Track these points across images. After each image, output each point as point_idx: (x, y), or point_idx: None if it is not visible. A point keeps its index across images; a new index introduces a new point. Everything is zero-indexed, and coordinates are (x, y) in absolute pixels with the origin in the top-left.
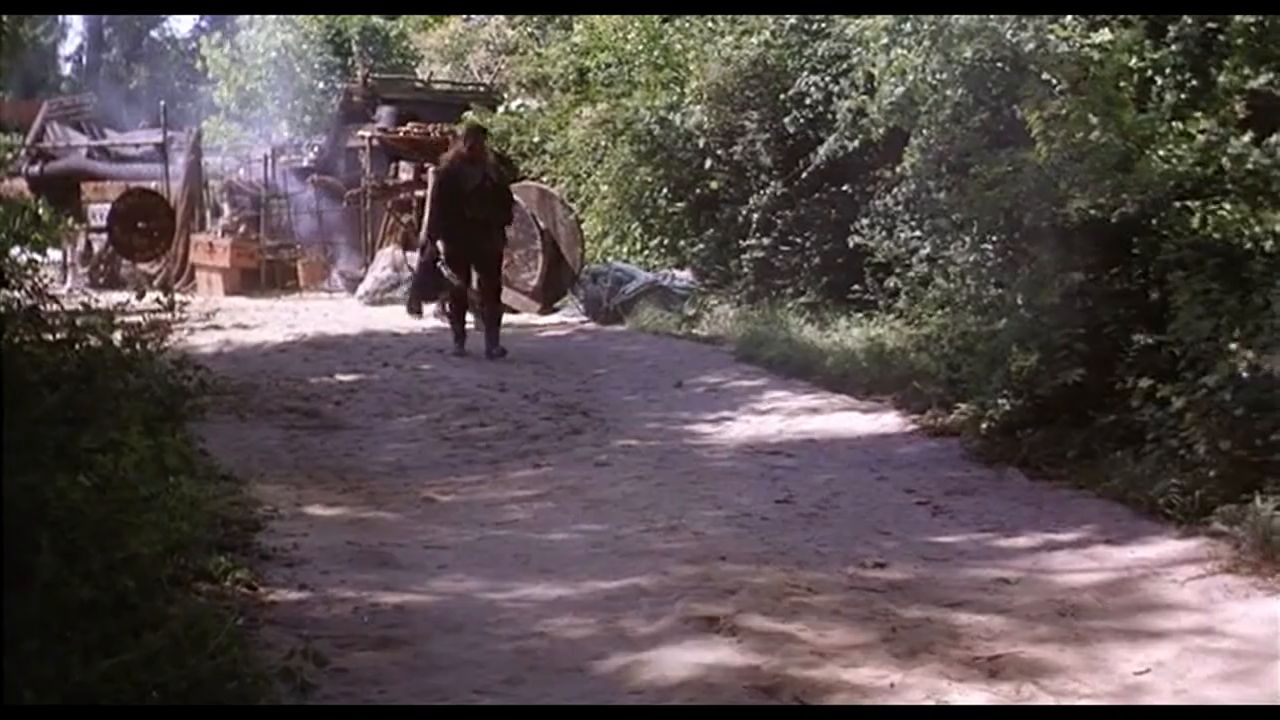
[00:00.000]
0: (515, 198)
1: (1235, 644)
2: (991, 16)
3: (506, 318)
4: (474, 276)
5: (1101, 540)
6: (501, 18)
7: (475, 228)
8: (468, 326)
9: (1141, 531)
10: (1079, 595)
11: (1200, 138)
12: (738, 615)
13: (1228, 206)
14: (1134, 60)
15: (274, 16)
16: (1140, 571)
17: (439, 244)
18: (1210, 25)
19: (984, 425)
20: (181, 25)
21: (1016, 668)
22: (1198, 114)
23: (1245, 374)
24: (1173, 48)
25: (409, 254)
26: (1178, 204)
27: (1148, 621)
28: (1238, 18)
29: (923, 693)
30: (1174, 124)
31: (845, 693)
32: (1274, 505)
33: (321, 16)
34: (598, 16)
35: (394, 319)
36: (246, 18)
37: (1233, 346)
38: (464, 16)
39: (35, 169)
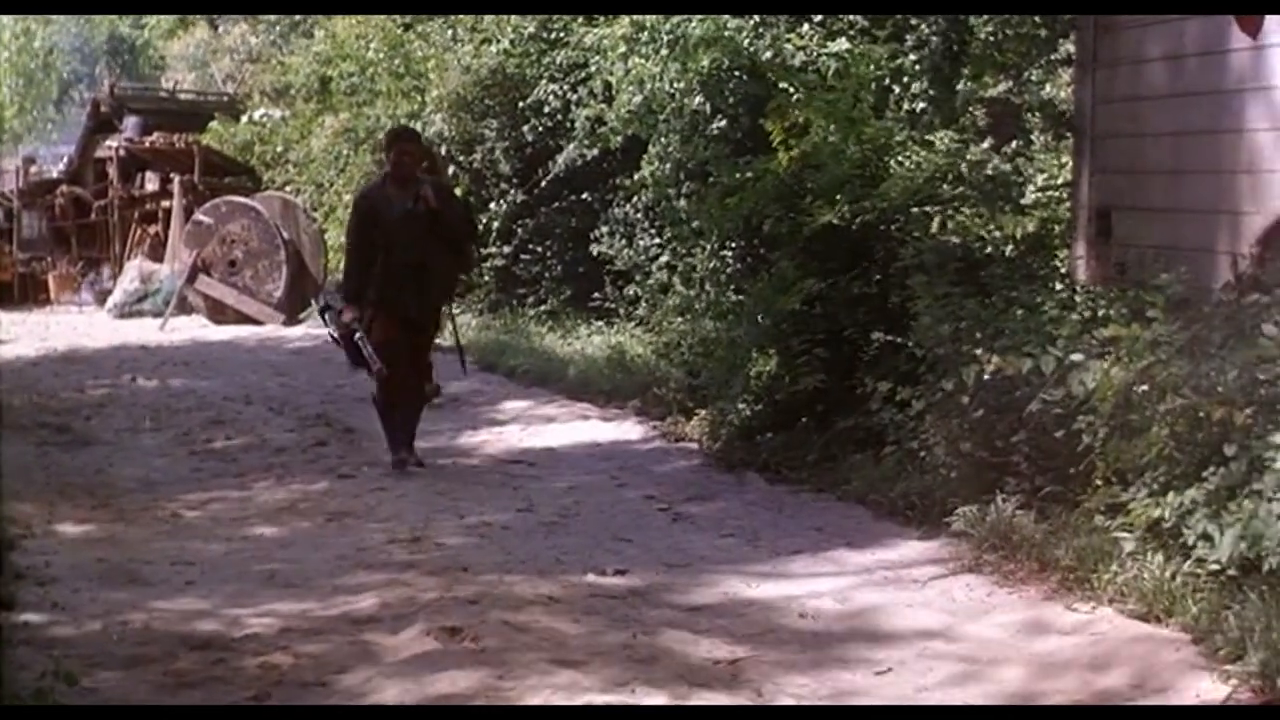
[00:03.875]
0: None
1: (977, 642)
2: (729, 25)
3: (251, 330)
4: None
5: (842, 543)
6: (246, 26)
7: (409, 274)
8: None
9: (882, 533)
10: (819, 598)
11: (940, 144)
12: (480, 626)
13: (967, 211)
14: (873, 69)
15: (10, 26)
16: (881, 573)
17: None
18: (951, 34)
19: (724, 430)
20: None
21: (758, 670)
22: (938, 121)
23: (986, 376)
24: (911, 56)
25: (158, 265)
26: (917, 210)
27: (889, 622)
28: (978, 28)
29: (665, 697)
30: (914, 131)
31: (588, 698)
32: (1015, 505)
33: (72, 26)
34: (340, 26)
35: (142, 332)
36: None
37: (978, 351)
38: (212, 25)
39: None
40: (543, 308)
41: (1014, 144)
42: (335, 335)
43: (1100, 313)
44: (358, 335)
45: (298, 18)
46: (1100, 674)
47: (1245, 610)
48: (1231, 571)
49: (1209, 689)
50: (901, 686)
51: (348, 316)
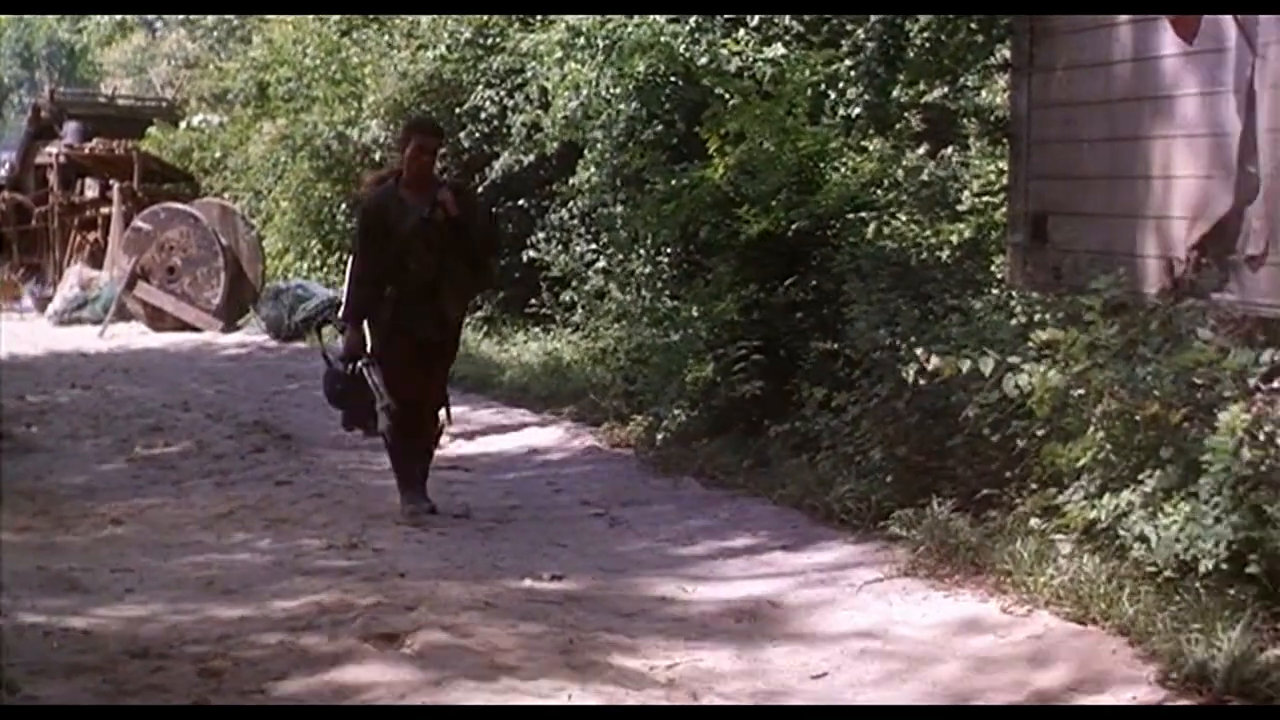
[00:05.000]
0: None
1: (912, 644)
2: (665, 30)
3: (189, 337)
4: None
5: (778, 547)
6: (183, 31)
7: (423, 292)
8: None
9: (818, 537)
10: (755, 602)
11: (876, 150)
12: (417, 631)
13: (902, 218)
14: (808, 74)
15: None
16: (817, 577)
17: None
18: (886, 39)
19: (660, 436)
20: None
21: (694, 675)
22: (873, 127)
23: (922, 382)
24: (847, 62)
25: (98, 272)
26: (852, 216)
27: (824, 626)
28: (913, 34)
29: (602, 701)
30: (849, 137)
31: (525, 703)
32: (950, 508)
33: (11, 31)
34: (277, 32)
35: (82, 339)
36: None
37: (918, 351)
38: (150, 30)
39: None
40: (479, 314)
41: (950, 150)
42: (331, 358)
43: (1037, 317)
44: (362, 364)
45: (235, 23)
46: (1036, 674)
47: (1181, 611)
48: (1168, 573)
49: (1146, 690)
50: (837, 687)
51: (352, 341)
